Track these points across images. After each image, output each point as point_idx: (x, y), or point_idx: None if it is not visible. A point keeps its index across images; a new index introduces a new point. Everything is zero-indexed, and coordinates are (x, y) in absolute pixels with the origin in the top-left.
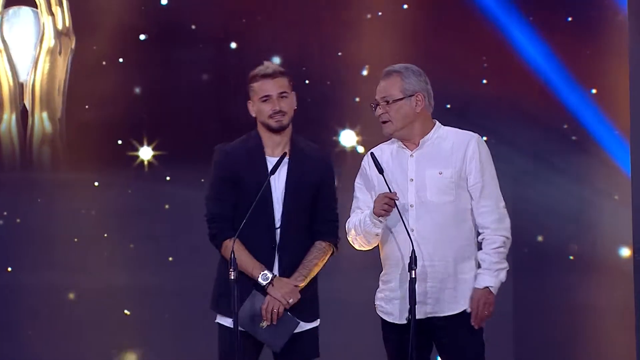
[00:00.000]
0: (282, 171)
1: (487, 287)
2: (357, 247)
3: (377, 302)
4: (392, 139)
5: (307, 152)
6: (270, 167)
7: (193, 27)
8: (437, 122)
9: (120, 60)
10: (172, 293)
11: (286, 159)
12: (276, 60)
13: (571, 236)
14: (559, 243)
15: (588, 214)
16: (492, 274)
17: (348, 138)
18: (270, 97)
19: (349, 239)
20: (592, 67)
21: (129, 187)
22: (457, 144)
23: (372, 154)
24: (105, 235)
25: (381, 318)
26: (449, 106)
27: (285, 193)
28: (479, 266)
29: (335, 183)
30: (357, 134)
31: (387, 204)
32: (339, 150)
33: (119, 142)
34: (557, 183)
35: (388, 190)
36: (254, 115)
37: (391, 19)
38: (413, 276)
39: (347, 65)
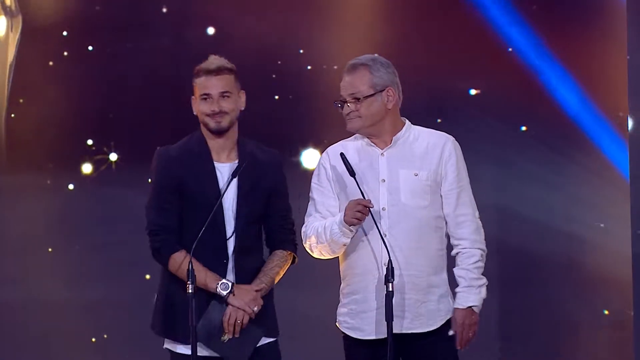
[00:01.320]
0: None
1: (470, 307)
2: (315, 255)
3: (340, 318)
4: (356, 135)
5: (257, 155)
6: (218, 175)
7: (164, 10)
8: (408, 121)
9: (90, 48)
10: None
11: (234, 164)
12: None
13: (567, 243)
14: (553, 250)
15: (585, 220)
16: (474, 292)
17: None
18: (210, 96)
19: (305, 246)
20: (590, 64)
21: (96, 191)
22: (432, 145)
23: (342, 154)
24: (77, 247)
25: (344, 336)
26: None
27: (237, 202)
28: (454, 282)
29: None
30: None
31: (360, 212)
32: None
33: (89, 142)
34: (551, 186)
35: (361, 195)
36: (195, 113)
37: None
38: (390, 289)
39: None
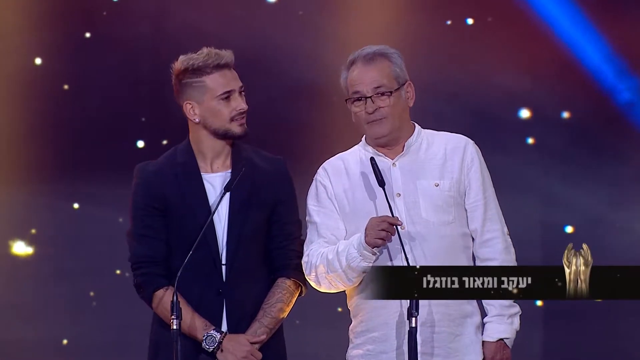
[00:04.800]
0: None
1: (502, 340)
2: (323, 288)
3: None
4: (357, 146)
5: (256, 162)
6: (208, 188)
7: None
8: (417, 125)
9: (87, 35)
10: None
11: (227, 174)
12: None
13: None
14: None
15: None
16: (505, 322)
17: None
18: (232, 92)
19: (309, 278)
20: None
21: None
22: (450, 149)
23: (372, 159)
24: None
25: None
26: None
27: (229, 218)
28: (483, 310)
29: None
30: None
31: (384, 230)
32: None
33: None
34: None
35: (389, 211)
36: (197, 120)
37: None
38: (414, 325)
39: None
